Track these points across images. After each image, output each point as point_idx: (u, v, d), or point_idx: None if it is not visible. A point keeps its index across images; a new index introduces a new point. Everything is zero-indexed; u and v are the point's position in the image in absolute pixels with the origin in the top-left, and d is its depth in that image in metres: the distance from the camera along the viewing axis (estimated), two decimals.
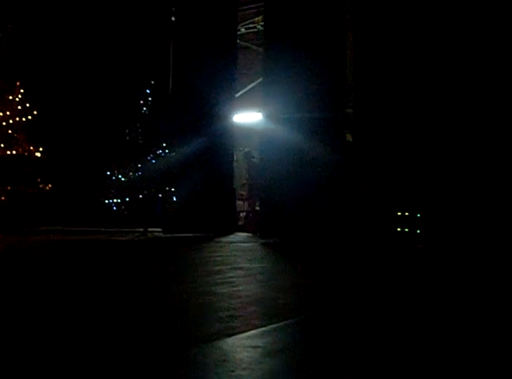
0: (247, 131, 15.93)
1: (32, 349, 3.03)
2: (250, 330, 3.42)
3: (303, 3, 11.16)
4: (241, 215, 14.64)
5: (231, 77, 13.30)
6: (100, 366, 2.74)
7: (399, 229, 9.75)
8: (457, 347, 3.21)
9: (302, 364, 2.85)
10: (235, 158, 13.99)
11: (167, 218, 13.22)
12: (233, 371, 2.63)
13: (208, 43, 12.91)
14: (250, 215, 14.32)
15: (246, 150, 14.58)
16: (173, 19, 15.11)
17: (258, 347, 3.06)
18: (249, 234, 13.21)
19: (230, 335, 3.28)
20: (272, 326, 3.53)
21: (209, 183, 12.48)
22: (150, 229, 13.05)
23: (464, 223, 9.30)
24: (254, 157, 14.17)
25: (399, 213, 9.77)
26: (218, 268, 6.74)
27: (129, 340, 3.22)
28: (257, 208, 13.67)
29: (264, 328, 3.47)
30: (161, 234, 12.95)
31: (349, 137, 11.10)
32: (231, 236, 12.86)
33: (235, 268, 6.72)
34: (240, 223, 14.43)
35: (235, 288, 5.09)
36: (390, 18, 10.50)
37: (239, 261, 7.78)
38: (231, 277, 5.86)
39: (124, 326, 3.59)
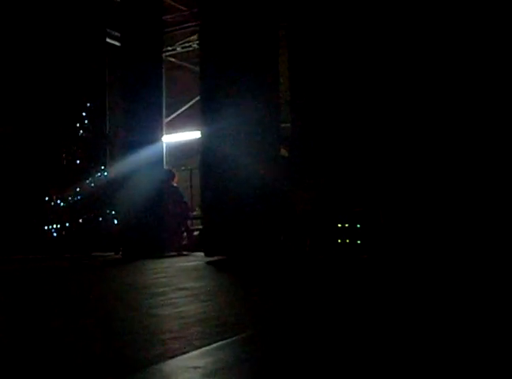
0: (189, 149, 15.92)
1: None
2: (191, 351, 3.37)
3: (237, 20, 11.24)
4: (184, 234, 14.62)
5: (158, 99, 13.45)
6: None
7: (340, 240, 9.86)
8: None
9: None
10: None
11: (118, 241, 13.15)
12: None
13: (137, 65, 13.00)
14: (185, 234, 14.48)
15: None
16: (108, 40, 15.08)
17: (199, 367, 3.02)
18: (192, 254, 13.21)
19: (171, 358, 3.23)
20: (214, 345, 3.49)
21: (145, 204, 12.45)
22: (97, 253, 12.90)
23: (404, 230, 9.48)
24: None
25: (339, 225, 9.89)
26: (161, 289, 6.65)
27: (63, 368, 3.13)
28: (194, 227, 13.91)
29: (205, 348, 3.43)
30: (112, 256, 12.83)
31: (284, 152, 11.21)
32: (176, 256, 12.78)
33: (179, 289, 6.66)
34: (184, 242, 14.43)
35: (178, 309, 5.03)
36: (323, 33, 10.68)
37: (182, 281, 7.71)
38: (174, 298, 5.79)
39: (58, 352, 3.49)
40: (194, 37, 16.53)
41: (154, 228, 12.73)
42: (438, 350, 3.29)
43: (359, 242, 9.67)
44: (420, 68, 9.71)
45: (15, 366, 3.23)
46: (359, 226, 9.73)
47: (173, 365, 3.12)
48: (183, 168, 15.63)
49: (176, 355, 3.28)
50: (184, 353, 3.33)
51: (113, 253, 13.30)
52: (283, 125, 11.37)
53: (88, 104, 13.56)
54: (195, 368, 3.00)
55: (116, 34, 14.87)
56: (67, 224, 12.79)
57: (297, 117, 11.02)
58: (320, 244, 10.03)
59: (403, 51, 9.87)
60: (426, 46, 9.71)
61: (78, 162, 13.13)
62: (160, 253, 12.72)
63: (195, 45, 16.45)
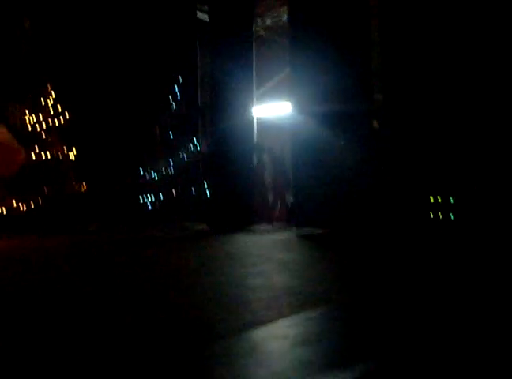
0: (276, 125, 15.91)
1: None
2: (280, 320, 3.41)
3: None
4: (278, 205, 14.68)
5: (249, 68, 13.43)
6: (128, 358, 2.78)
7: (432, 215, 9.58)
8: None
9: (332, 354, 2.84)
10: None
11: (209, 213, 13.34)
12: (262, 361, 2.63)
13: (227, 39, 13.05)
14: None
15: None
16: (198, 16, 15.24)
17: (288, 336, 3.06)
18: (281, 225, 13.24)
19: (260, 326, 3.29)
20: (303, 316, 3.53)
21: (235, 176, 12.54)
22: (188, 224, 13.19)
23: (501, 206, 9.12)
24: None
25: (431, 198, 9.62)
26: (252, 260, 6.75)
27: (158, 332, 3.25)
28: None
29: (295, 318, 3.47)
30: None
31: (376, 124, 10.98)
32: (265, 227, 12.87)
33: (269, 260, 6.73)
34: (277, 214, 14.48)
35: (268, 280, 5.10)
36: (416, 1, 10.34)
37: (273, 253, 7.77)
38: (264, 269, 5.86)
39: (154, 318, 3.62)
40: (283, 9, 16.39)
41: (245, 200, 12.82)
42: None
43: (452, 217, 9.39)
44: None
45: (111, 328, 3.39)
46: (452, 200, 9.44)
47: (262, 333, 3.18)
48: (274, 142, 15.64)
49: (265, 324, 3.34)
50: (273, 322, 3.38)
51: (204, 225, 13.54)
52: (375, 96, 11.13)
53: (180, 79, 13.79)
54: (284, 337, 3.05)
55: (205, 8, 14.97)
56: (161, 196, 13.16)
57: (389, 88, 10.75)
58: (412, 218, 9.80)
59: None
60: None
61: (171, 135, 13.45)
62: (251, 224, 12.82)
63: (284, 18, 16.33)
